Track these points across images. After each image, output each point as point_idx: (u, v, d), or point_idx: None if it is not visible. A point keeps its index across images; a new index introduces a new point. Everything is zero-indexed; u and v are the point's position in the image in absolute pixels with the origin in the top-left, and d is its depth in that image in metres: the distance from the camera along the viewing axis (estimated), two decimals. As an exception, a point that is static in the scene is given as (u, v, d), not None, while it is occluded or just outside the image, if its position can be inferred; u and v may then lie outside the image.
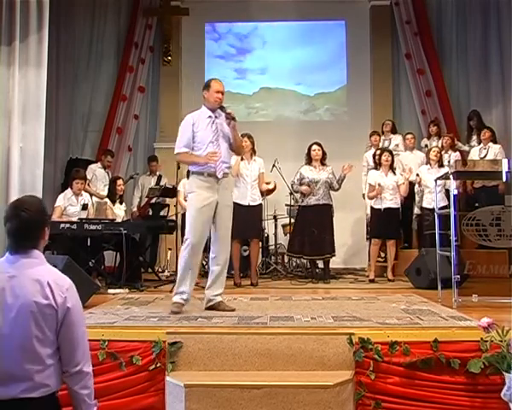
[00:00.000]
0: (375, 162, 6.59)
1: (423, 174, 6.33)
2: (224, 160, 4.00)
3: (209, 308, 4.00)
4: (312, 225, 6.04)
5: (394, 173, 6.37)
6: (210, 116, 4.04)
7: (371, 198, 6.32)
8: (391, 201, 6.23)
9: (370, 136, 7.36)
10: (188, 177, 4.03)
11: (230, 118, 4.02)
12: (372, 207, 6.35)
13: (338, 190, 6.19)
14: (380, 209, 6.20)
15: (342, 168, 6.07)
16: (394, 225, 6.29)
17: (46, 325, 1.91)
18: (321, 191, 6.09)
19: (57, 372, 1.96)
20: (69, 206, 5.88)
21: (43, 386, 1.90)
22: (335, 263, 6.77)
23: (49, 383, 1.92)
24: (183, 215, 6.04)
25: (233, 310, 3.94)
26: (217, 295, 4.04)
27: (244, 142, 5.79)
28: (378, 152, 6.59)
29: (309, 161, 6.24)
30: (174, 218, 6.36)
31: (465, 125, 7.80)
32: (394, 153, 7.38)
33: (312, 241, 6.04)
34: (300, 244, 6.16)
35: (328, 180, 6.12)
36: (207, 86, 4.10)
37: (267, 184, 6.10)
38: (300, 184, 6.16)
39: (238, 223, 5.75)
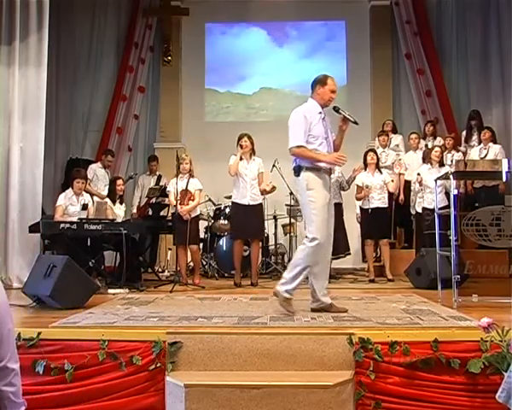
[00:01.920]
0: (365, 162, 6.53)
1: (424, 174, 6.32)
2: None
3: (318, 310, 3.87)
4: None
5: (381, 172, 6.37)
6: (320, 112, 3.91)
7: (359, 199, 6.33)
8: (379, 200, 6.25)
9: (379, 136, 7.34)
10: (297, 174, 3.87)
11: (353, 121, 3.94)
12: (361, 208, 6.36)
13: (347, 189, 6.23)
14: (367, 210, 6.21)
15: (353, 170, 6.12)
16: (384, 225, 6.29)
17: None
18: (332, 190, 6.08)
19: None
20: (70, 205, 5.87)
21: None
22: (336, 263, 6.76)
23: None
24: (174, 216, 6.01)
25: (346, 311, 3.84)
26: (326, 296, 3.92)
27: (244, 141, 5.82)
28: (371, 154, 6.55)
29: None
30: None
31: (465, 126, 7.80)
32: (394, 153, 7.39)
33: None
34: None
35: (338, 179, 6.16)
36: (323, 82, 3.94)
37: (267, 185, 6.06)
38: None
39: (239, 223, 5.78)
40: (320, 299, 3.88)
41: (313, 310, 3.87)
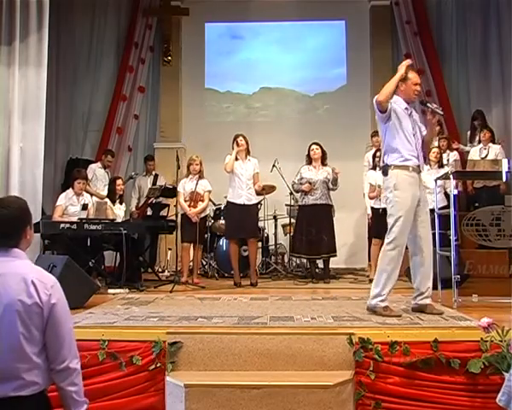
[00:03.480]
0: (374, 162, 6.59)
1: (423, 175, 6.31)
2: (421, 155, 3.81)
3: (416, 310, 3.84)
4: (310, 225, 6.06)
5: None
6: (407, 108, 3.81)
7: (372, 198, 6.32)
8: None
9: (372, 136, 7.35)
10: (385, 173, 3.79)
11: (441, 114, 3.84)
12: (372, 207, 6.35)
13: (334, 190, 6.19)
14: (379, 209, 6.19)
15: (332, 170, 6.11)
16: None
17: (32, 324, 1.90)
18: (318, 191, 6.10)
19: (45, 370, 1.95)
20: (70, 205, 5.88)
21: (33, 384, 1.90)
22: (335, 263, 6.76)
23: (38, 380, 1.91)
24: (183, 215, 6.05)
25: (441, 313, 3.71)
26: (423, 299, 3.82)
27: (240, 140, 5.83)
28: (378, 154, 6.58)
29: (309, 161, 6.26)
30: (174, 218, 6.36)
31: (465, 125, 7.80)
32: None
33: (310, 240, 6.06)
34: (300, 244, 6.18)
35: (325, 180, 6.13)
36: (404, 78, 3.81)
37: (258, 186, 6.01)
38: (301, 184, 6.18)
39: (233, 222, 5.80)
40: (415, 300, 3.87)
41: (413, 309, 3.87)
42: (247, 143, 5.88)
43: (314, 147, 6.21)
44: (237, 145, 5.82)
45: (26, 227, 2.05)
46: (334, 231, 6.15)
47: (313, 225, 6.06)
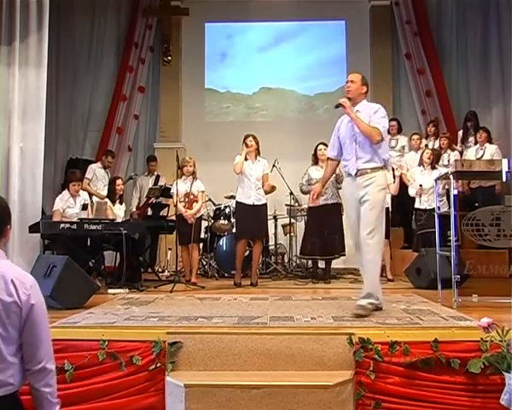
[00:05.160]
0: None
1: (416, 175, 6.32)
2: (360, 156, 3.80)
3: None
4: (322, 226, 6.01)
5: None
6: (357, 111, 3.93)
7: None
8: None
9: None
10: None
11: (337, 105, 3.93)
12: None
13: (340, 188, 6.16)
14: None
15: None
16: (387, 225, 6.24)
17: (10, 323, 1.88)
18: (329, 191, 6.03)
19: (20, 371, 1.93)
20: (67, 208, 5.88)
21: (7, 385, 1.88)
22: (335, 263, 6.75)
23: (12, 381, 1.89)
24: (178, 217, 6.04)
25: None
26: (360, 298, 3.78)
27: (249, 141, 5.83)
28: None
29: (316, 161, 6.23)
30: (174, 218, 6.36)
31: (462, 126, 7.80)
32: (399, 154, 7.37)
33: (323, 241, 6.01)
34: (312, 245, 6.13)
35: (333, 179, 6.08)
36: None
37: (267, 185, 6.06)
38: (309, 185, 6.14)
39: (244, 222, 5.79)
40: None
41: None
42: (257, 143, 5.87)
43: (322, 147, 6.09)
44: (246, 146, 5.81)
45: (6, 226, 2.03)
46: (343, 230, 6.12)
47: (325, 226, 6.00)
